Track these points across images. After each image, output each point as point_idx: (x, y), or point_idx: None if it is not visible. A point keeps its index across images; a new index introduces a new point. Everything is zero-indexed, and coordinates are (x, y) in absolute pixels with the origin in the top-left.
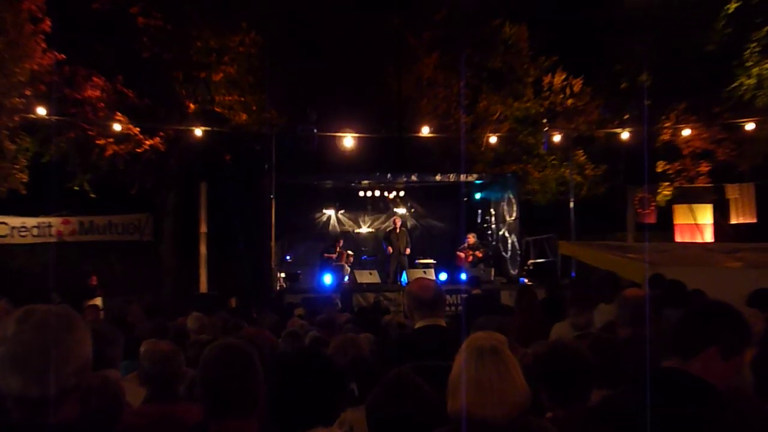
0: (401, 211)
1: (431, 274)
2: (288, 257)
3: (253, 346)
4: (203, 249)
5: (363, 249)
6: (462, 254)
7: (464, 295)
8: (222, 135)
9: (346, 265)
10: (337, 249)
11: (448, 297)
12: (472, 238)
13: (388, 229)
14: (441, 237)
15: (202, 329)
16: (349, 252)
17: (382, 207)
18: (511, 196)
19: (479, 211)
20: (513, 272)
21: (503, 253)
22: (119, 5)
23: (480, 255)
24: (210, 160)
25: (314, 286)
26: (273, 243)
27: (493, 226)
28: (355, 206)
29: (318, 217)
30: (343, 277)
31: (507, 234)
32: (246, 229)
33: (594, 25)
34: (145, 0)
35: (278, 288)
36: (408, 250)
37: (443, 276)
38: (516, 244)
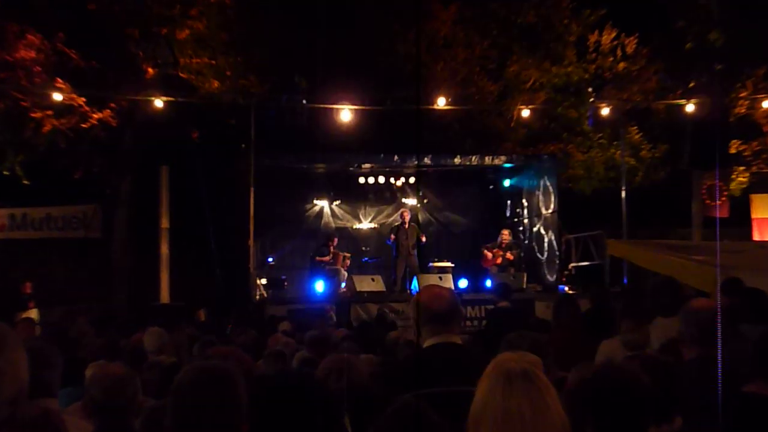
0: (411, 202)
1: (448, 281)
2: (270, 259)
3: (238, 369)
4: (165, 249)
5: (364, 249)
6: (489, 254)
7: (489, 307)
8: (188, 107)
9: (342, 270)
10: (332, 249)
11: (469, 309)
12: (507, 235)
13: (394, 225)
14: (461, 234)
15: (163, 348)
16: (346, 254)
17: (387, 197)
18: (548, 183)
19: (508, 201)
20: (550, 278)
21: (538, 255)
22: None
23: (511, 257)
24: (173, 138)
25: (303, 295)
26: (252, 242)
27: (526, 220)
28: (354, 196)
29: (308, 209)
30: (339, 284)
31: (543, 231)
32: (218, 224)
33: None
34: None
35: (258, 297)
36: (423, 238)
37: (463, 283)
38: (554, 243)
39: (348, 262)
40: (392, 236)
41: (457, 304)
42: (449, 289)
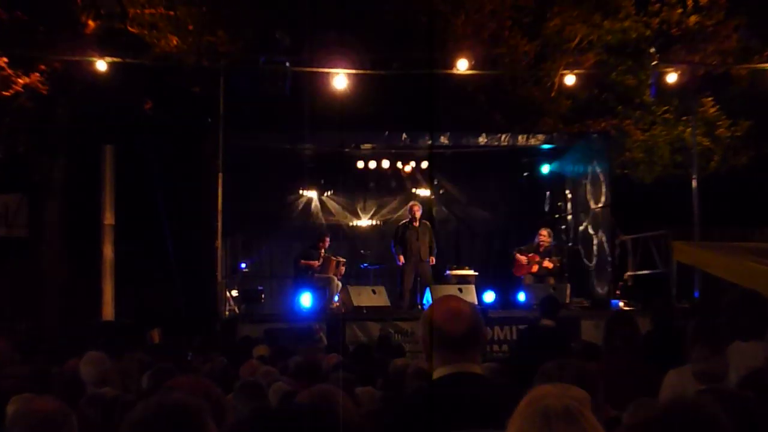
0: (424, 193)
1: (470, 294)
2: (244, 265)
3: (204, 406)
4: (108, 251)
5: (362, 252)
6: (523, 259)
7: (523, 327)
8: (139, 70)
9: (335, 279)
10: (322, 253)
11: (497, 330)
12: (546, 237)
13: (402, 222)
14: (487, 235)
15: (106, 378)
16: (341, 258)
17: (393, 186)
18: (599, 170)
19: (548, 193)
20: (600, 291)
21: (585, 261)
22: None
23: (551, 265)
24: (120, 111)
25: (285, 311)
26: (220, 243)
27: (570, 217)
28: (350, 185)
29: (292, 201)
30: (331, 297)
31: (591, 230)
32: (177, 220)
33: None
34: None
35: (228, 314)
36: (432, 259)
37: (490, 296)
38: (605, 246)
39: (343, 269)
40: (401, 257)
41: (479, 324)
42: (470, 304)
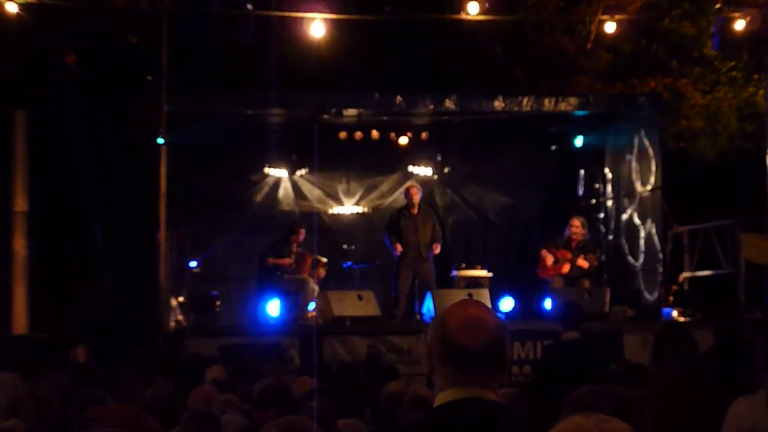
0: (424, 171)
1: (483, 300)
2: (194, 264)
3: None
4: (20, 246)
5: (346, 248)
6: (550, 257)
7: (548, 343)
8: (61, 13)
9: (311, 281)
10: (294, 248)
11: (517, 347)
12: (579, 228)
13: (396, 210)
14: (504, 225)
15: (17, 407)
16: (320, 258)
17: (385, 163)
18: (647, 142)
19: (582, 172)
20: (649, 297)
21: (630, 259)
22: None
23: (586, 264)
24: (35, 66)
25: (246, 322)
26: (163, 236)
27: (610, 203)
28: (330, 161)
29: (256, 182)
30: (305, 305)
31: (637, 219)
32: (108, 206)
33: None
34: None
35: (174, 326)
36: (436, 247)
37: (508, 304)
38: (656, 239)
39: (323, 271)
40: (398, 246)
41: (503, 339)
42: (495, 313)
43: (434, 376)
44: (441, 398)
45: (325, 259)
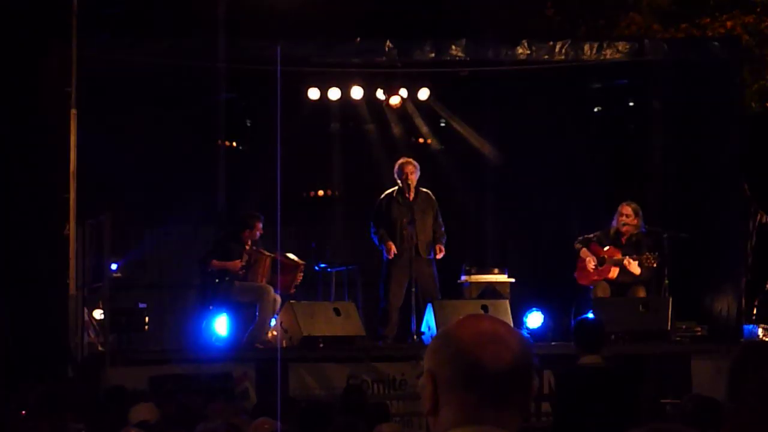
0: (422, 142)
1: (502, 314)
2: (115, 267)
3: None
4: None
5: (318, 245)
6: (590, 259)
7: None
8: None
9: (270, 290)
10: (248, 244)
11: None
12: (630, 217)
13: (386, 193)
14: (530, 214)
15: None
16: (289, 256)
17: (370, 131)
18: (721, 101)
19: (634, 141)
20: (724, 309)
21: (698, 258)
22: None
23: (639, 270)
24: None
25: (184, 344)
26: (73, 229)
27: (672, 183)
28: (299, 129)
29: (197, 158)
30: (265, 322)
31: (709, 206)
32: (0, 191)
33: None
34: None
35: (88, 349)
36: (440, 249)
37: (536, 318)
38: (733, 231)
39: (299, 275)
40: (390, 245)
41: (529, 362)
42: (517, 331)
43: (437, 413)
44: None
45: (298, 259)
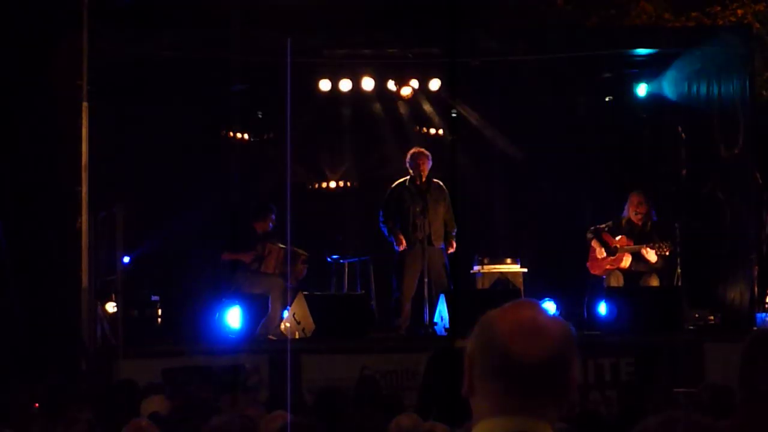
0: (434, 132)
1: None
2: (127, 260)
3: None
4: None
5: (330, 235)
6: (600, 249)
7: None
8: None
9: (281, 281)
10: (260, 236)
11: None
12: (642, 205)
13: (398, 182)
14: (542, 203)
15: None
16: (296, 249)
17: (381, 121)
18: (733, 90)
19: (645, 130)
20: (737, 297)
21: (711, 247)
22: None
23: (654, 258)
24: None
25: (196, 336)
26: (85, 221)
27: (684, 172)
28: (309, 120)
29: (208, 149)
30: (277, 314)
31: (721, 194)
32: (12, 182)
33: None
34: None
35: (101, 342)
36: (452, 244)
37: (549, 308)
38: (746, 219)
39: (302, 267)
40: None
41: (569, 353)
42: (558, 319)
43: (472, 399)
44: (479, 429)
45: (303, 252)
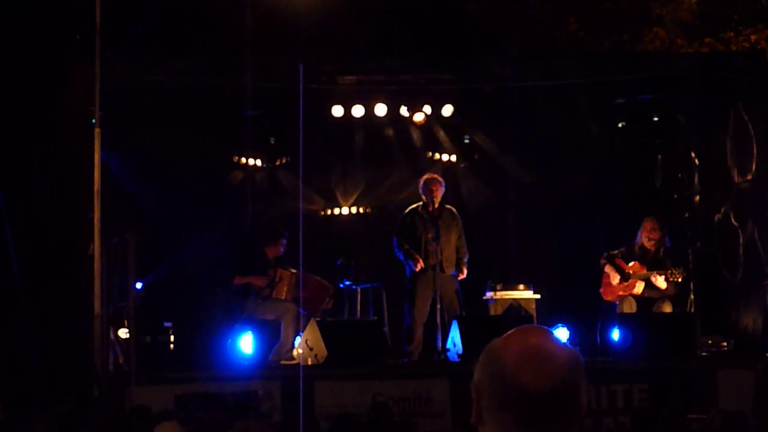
0: (446, 158)
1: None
2: (139, 285)
3: None
4: None
5: (341, 263)
6: (614, 274)
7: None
8: None
9: (293, 307)
10: (271, 261)
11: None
12: (655, 231)
13: (411, 208)
14: (555, 229)
15: None
16: (319, 280)
17: (394, 147)
18: (746, 116)
19: (659, 157)
20: (751, 323)
21: (725, 272)
22: None
23: (664, 284)
24: None
25: (209, 363)
26: (97, 248)
27: (698, 198)
28: (322, 146)
29: (221, 176)
30: (289, 340)
31: (735, 220)
32: (23, 209)
33: None
34: None
35: (112, 368)
36: (464, 270)
37: (561, 334)
38: (760, 245)
39: (330, 301)
40: (419, 261)
41: (577, 380)
42: (567, 346)
43: (482, 429)
44: None
45: (330, 285)
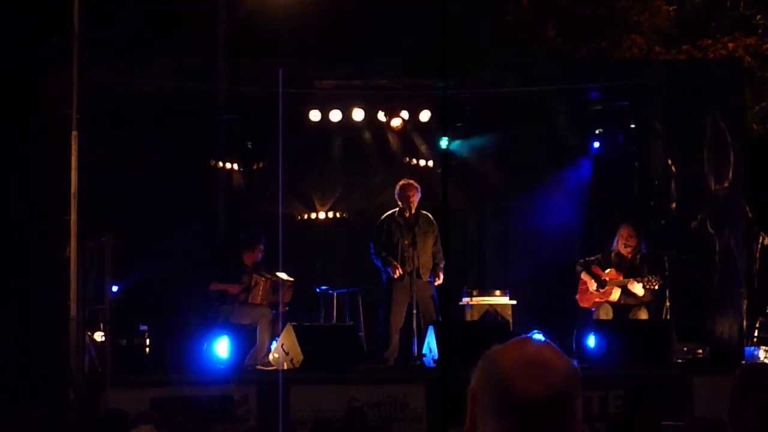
0: (423, 163)
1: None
2: (115, 289)
3: None
4: None
5: (318, 266)
6: (591, 281)
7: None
8: None
9: (268, 311)
10: (248, 266)
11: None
12: (631, 238)
13: (387, 214)
14: (531, 236)
15: None
16: (281, 276)
17: (371, 153)
18: (723, 124)
19: (635, 164)
20: (726, 331)
21: (700, 280)
22: None
23: (642, 292)
24: None
25: (186, 366)
26: (74, 250)
27: (674, 205)
28: (299, 151)
29: (197, 180)
30: (265, 344)
31: (711, 227)
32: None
33: None
34: None
35: (88, 371)
36: (440, 275)
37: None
38: (735, 253)
39: (288, 294)
40: (396, 268)
41: (573, 389)
42: (563, 355)
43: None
44: None
45: (288, 277)
